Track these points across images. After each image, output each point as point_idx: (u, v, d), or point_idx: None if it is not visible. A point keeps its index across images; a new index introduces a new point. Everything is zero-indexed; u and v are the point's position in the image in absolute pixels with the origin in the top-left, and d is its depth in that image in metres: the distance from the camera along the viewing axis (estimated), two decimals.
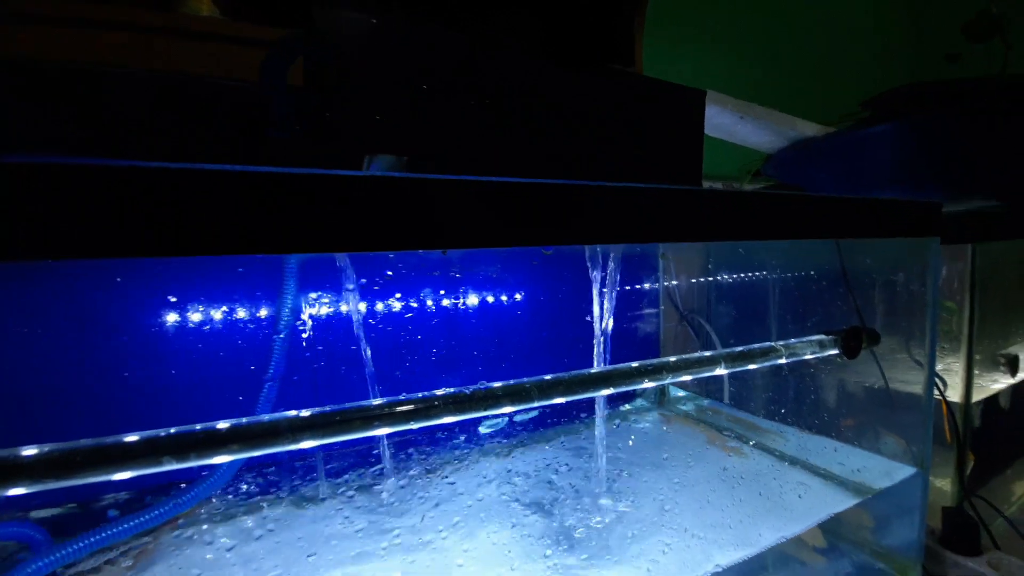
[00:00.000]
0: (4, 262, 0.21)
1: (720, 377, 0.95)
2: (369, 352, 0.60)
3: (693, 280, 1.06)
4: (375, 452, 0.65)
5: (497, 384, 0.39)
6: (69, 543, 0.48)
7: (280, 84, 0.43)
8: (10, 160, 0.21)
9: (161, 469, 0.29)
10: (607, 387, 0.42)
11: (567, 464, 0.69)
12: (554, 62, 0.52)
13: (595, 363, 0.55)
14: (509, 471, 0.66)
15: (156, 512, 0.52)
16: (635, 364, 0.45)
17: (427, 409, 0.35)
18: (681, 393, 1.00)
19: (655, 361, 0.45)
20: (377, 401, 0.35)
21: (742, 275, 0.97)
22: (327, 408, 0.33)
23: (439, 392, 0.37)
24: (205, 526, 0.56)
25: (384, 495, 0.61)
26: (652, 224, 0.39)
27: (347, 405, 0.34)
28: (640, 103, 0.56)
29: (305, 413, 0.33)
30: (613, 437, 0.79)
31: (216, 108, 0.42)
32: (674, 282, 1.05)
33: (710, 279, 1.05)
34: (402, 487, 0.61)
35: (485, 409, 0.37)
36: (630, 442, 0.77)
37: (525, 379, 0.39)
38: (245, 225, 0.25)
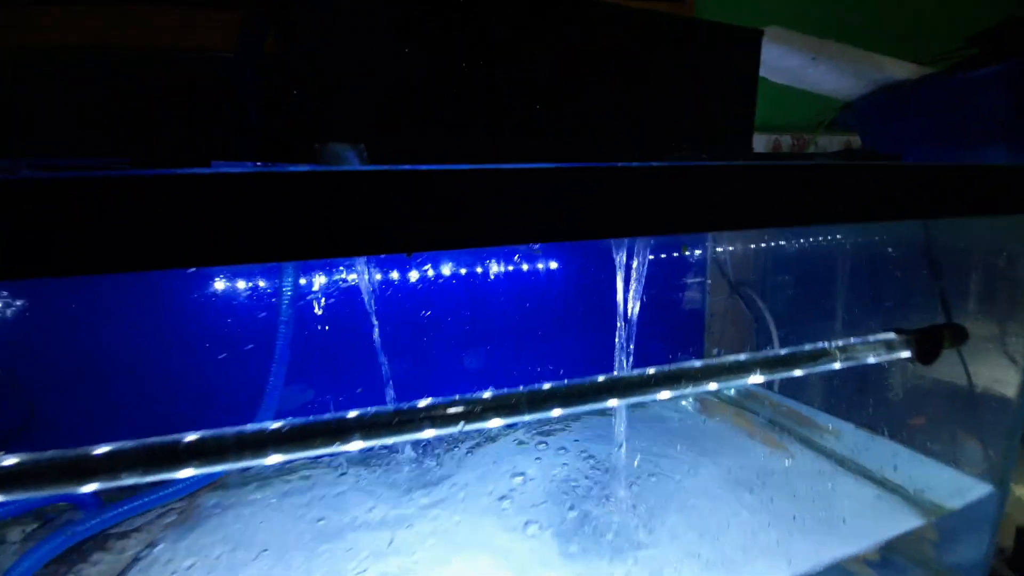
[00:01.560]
0: None
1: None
2: (377, 333, 0.59)
3: (750, 246, 0.95)
4: None
5: (485, 394, 0.35)
6: (116, 505, 0.53)
7: (255, 57, 0.39)
8: None
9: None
10: (611, 397, 0.37)
11: (588, 465, 0.63)
12: None
13: (615, 357, 0.50)
14: (513, 473, 0.61)
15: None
16: (651, 371, 0.39)
17: (388, 425, 0.32)
18: None
19: (674, 367, 0.39)
20: (352, 413, 0.33)
21: (804, 240, 0.85)
22: (297, 420, 0.31)
23: (413, 405, 0.33)
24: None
25: (402, 470, 0.61)
26: (696, 210, 0.31)
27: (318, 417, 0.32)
28: (679, 48, 0.47)
29: (275, 425, 0.31)
30: (640, 426, 0.73)
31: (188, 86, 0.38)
32: (728, 247, 0.94)
33: (766, 244, 0.93)
34: (412, 470, 0.61)
35: (463, 424, 0.33)
36: (657, 436, 0.71)
37: (513, 390, 0.35)
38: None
